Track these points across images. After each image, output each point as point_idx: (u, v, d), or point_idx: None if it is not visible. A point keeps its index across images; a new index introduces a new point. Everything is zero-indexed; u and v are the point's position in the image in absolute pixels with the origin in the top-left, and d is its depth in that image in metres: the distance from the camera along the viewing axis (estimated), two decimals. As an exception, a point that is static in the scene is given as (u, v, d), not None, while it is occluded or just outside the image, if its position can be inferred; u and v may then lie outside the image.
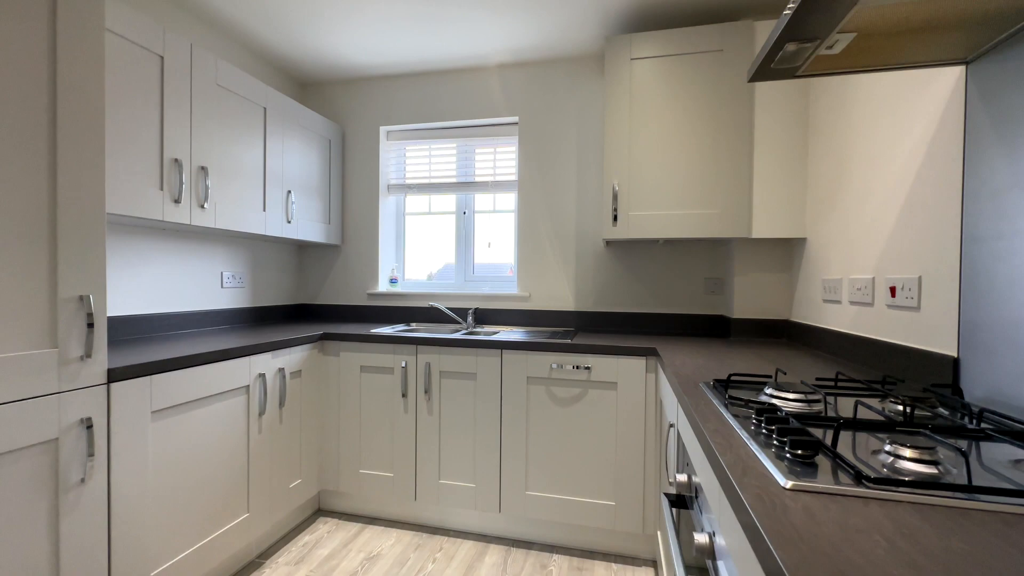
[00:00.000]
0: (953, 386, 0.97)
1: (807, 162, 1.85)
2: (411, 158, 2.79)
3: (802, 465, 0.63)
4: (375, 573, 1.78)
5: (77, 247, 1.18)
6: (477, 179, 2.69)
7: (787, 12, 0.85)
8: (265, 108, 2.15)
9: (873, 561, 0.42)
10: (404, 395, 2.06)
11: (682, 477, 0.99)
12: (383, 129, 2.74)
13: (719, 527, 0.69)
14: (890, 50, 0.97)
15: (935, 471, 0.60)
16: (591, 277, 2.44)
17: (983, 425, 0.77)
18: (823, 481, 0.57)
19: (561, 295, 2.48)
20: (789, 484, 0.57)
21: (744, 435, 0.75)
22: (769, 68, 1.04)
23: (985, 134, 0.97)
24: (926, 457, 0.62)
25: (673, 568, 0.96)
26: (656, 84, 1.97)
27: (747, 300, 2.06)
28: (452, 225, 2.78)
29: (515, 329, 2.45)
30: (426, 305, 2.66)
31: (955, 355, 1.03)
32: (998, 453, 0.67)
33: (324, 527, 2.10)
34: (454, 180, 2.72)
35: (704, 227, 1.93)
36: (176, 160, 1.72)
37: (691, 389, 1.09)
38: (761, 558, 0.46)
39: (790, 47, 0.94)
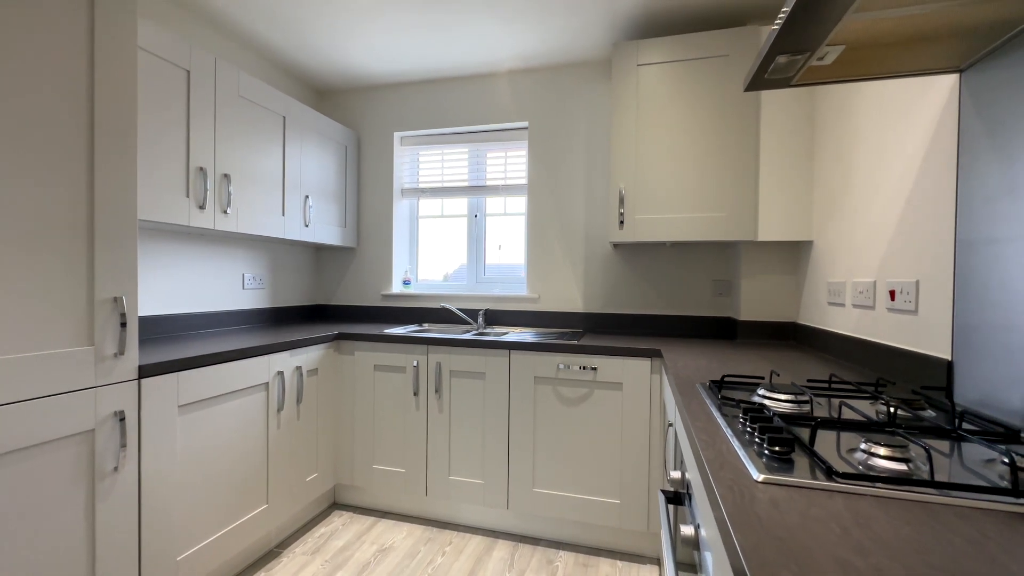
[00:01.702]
0: (947, 389, 0.99)
1: (814, 164, 1.86)
2: (424, 163, 2.86)
3: (779, 461, 0.66)
4: (387, 564, 1.85)
5: (112, 252, 1.27)
6: (488, 183, 2.75)
7: (774, 27, 0.88)
8: (284, 117, 2.24)
9: (823, 545, 0.46)
10: (416, 393, 2.12)
11: (676, 474, 1.03)
12: (397, 135, 2.82)
13: (702, 519, 0.73)
14: (882, 60, 0.99)
15: (905, 468, 0.63)
16: (600, 279, 2.48)
17: (964, 426, 0.80)
18: (795, 475, 0.61)
19: (570, 296, 2.52)
20: (761, 477, 0.61)
21: (729, 433, 0.78)
22: (763, 78, 1.07)
23: (978, 141, 0.98)
24: (898, 455, 0.65)
25: (664, 561, 1.00)
26: (662, 89, 2.00)
27: (754, 302, 2.07)
28: (464, 227, 2.85)
29: (524, 330, 2.50)
30: (438, 306, 2.73)
31: (949, 358, 1.05)
32: (971, 453, 0.69)
33: (339, 520, 2.18)
34: (466, 184, 2.78)
35: (710, 230, 1.95)
36: (201, 168, 1.82)
37: (688, 389, 1.12)
38: (725, 543, 0.51)
39: (781, 59, 0.98)
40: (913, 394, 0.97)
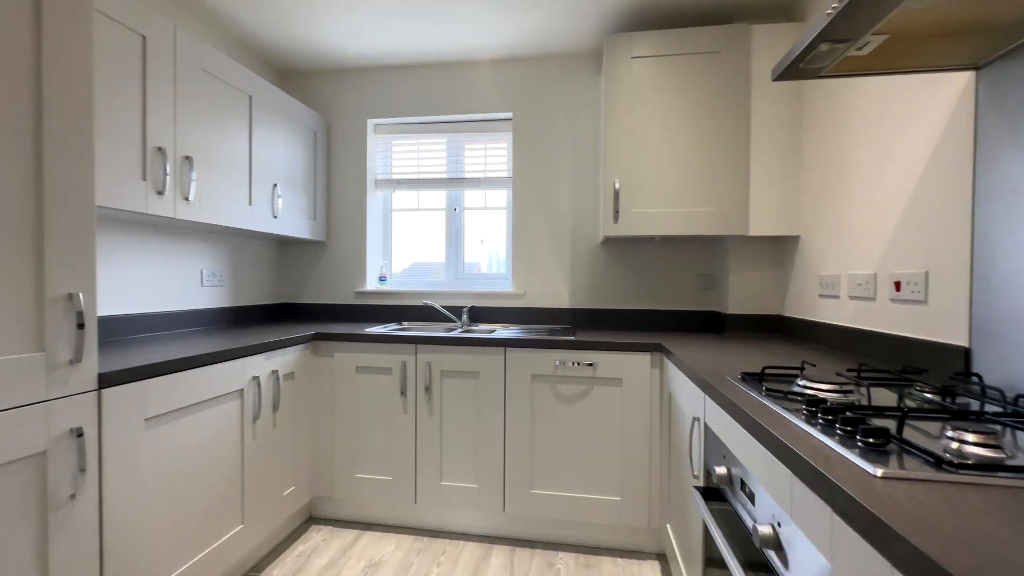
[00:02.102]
0: (970, 374, 1.03)
1: (801, 162, 1.92)
2: (398, 153, 2.71)
3: (876, 453, 0.64)
4: (379, 580, 1.72)
5: (65, 240, 1.07)
6: (468, 175, 2.65)
7: (830, 11, 0.87)
8: (251, 96, 2.03)
9: (1005, 543, 0.42)
10: (403, 396, 2.00)
11: (721, 470, 1.00)
12: (371, 122, 2.65)
13: (793, 517, 0.69)
14: (912, 53, 1.01)
15: (1000, 455, 0.62)
16: (586, 274, 2.45)
17: None
18: (910, 469, 0.58)
19: (556, 292, 2.48)
20: (879, 472, 0.57)
21: (803, 425, 0.76)
22: (797, 68, 1.06)
23: (998, 136, 1.02)
24: (990, 442, 0.64)
25: (726, 562, 0.97)
26: (656, 83, 2.00)
27: (742, 296, 2.12)
28: (441, 222, 2.73)
29: (510, 327, 2.42)
30: (419, 303, 2.59)
31: (967, 345, 1.09)
32: (1046, 436, 0.71)
33: (318, 535, 2.01)
34: (445, 176, 2.66)
35: (703, 225, 1.97)
36: (160, 148, 1.60)
37: (720, 382, 1.10)
38: (882, 547, 0.47)
39: (824, 47, 0.97)
40: (950, 380, 1.00)
